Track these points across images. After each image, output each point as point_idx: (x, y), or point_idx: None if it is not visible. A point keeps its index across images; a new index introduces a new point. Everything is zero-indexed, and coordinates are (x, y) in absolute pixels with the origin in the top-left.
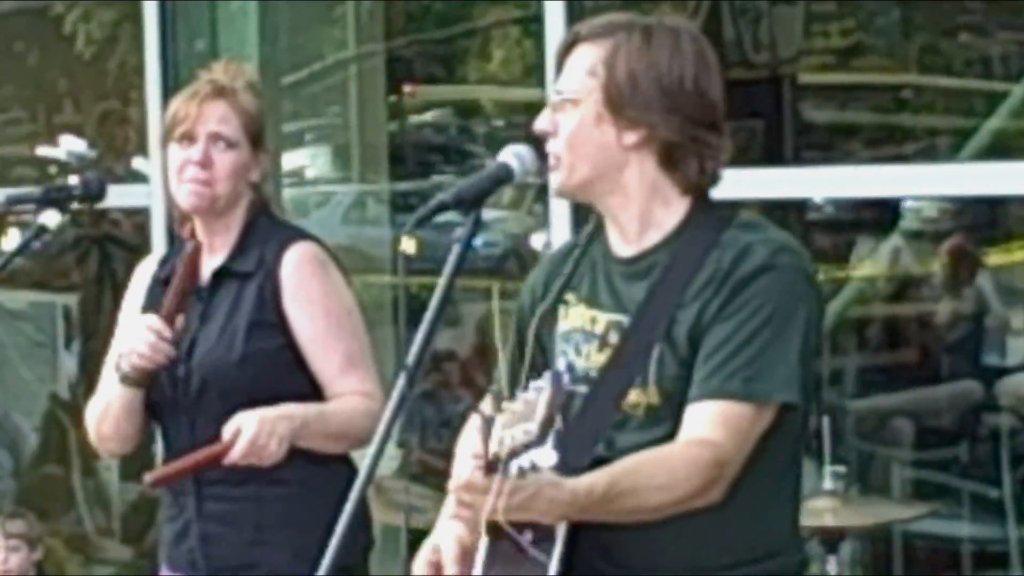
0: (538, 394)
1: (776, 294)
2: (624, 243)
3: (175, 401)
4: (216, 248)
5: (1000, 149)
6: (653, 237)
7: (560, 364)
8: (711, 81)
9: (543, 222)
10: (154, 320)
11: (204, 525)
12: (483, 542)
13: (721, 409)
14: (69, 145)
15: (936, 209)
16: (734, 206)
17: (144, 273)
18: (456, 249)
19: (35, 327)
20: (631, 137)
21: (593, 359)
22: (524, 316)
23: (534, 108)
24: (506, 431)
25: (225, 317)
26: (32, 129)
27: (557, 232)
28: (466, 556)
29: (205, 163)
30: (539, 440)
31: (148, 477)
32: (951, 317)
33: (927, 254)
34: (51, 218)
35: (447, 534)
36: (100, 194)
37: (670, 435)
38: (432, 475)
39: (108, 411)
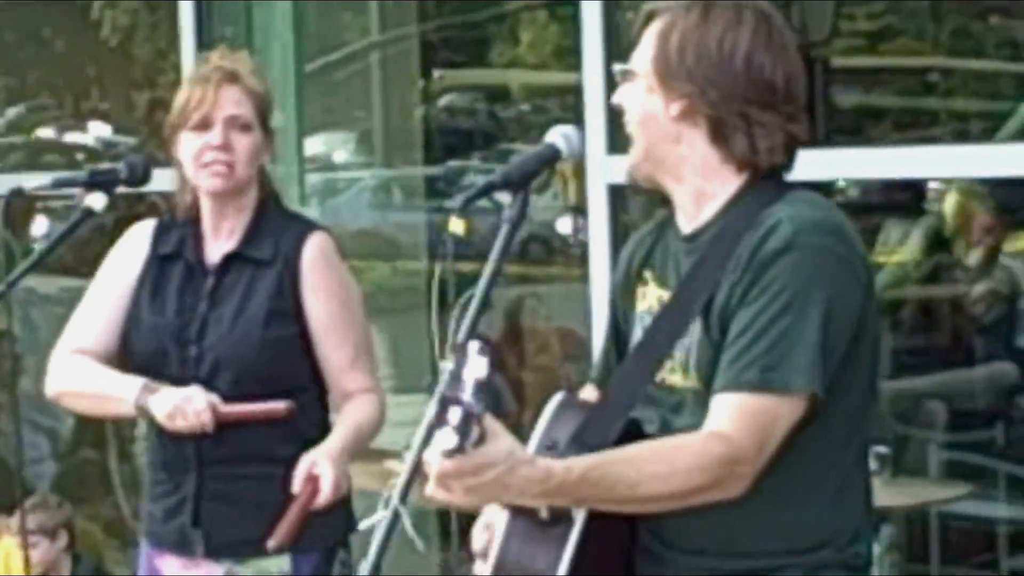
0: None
1: (797, 277)
2: (686, 220)
3: (182, 380)
4: (223, 232)
5: None
6: (708, 212)
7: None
8: (769, 59)
9: (569, 206)
10: (207, 417)
11: (203, 503)
12: (503, 517)
13: (740, 401)
14: (97, 131)
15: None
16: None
17: (139, 242)
18: (504, 230)
19: (68, 311)
20: (675, 108)
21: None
22: (615, 295)
23: (563, 91)
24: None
25: (239, 301)
26: (59, 115)
27: (595, 217)
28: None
29: (226, 147)
30: (436, 422)
31: (273, 543)
32: (983, 299)
33: (956, 237)
34: (97, 201)
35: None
36: (145, 178)
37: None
38: None
39: (90, 398)
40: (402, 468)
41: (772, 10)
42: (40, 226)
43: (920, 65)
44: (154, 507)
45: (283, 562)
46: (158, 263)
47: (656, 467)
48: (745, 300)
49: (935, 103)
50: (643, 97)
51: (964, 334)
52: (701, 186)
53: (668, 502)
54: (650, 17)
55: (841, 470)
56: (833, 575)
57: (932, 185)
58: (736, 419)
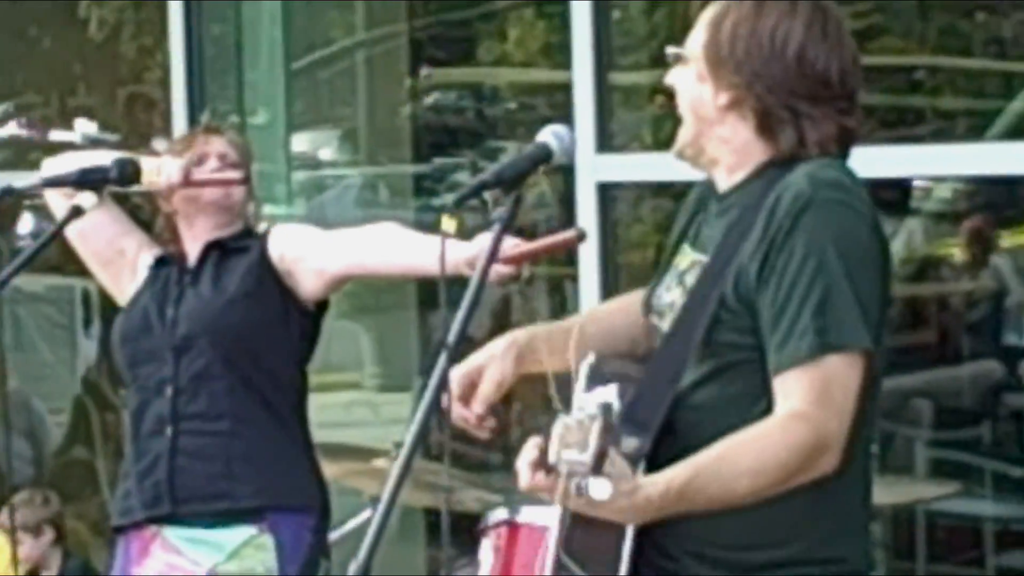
0: (591, 422)
1: (821, 236)
2: (721, 183)
3: (160, 344)
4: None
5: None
6: (740, 175)
7: (611, 390)
8: (823, 52)
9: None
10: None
11: (176, 459)
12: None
13: (805, 375)
14: (83, 128)
15: (951, 190)
16: None
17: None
18: (496, 229)
19: (56, 309)
20: (723, 98)
21: (667, 297)
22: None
23: (551, 89)
24: (561, 448)
25: (216, 275)
26: (46, 113)
27: (584, 215)
28: (500, 391)
29: (222, 172)
30: (594, 472)
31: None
32: (970, 298)
33: (943, 235)
34: (87, 200)
35: (492, 371)
36: (135, 177)
37: (740, 392)
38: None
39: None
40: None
41: (828, 2)
42: (26, 224)
43: (906, 63)
44: (127, 481)
45: (268, 557)
46: (154, 267)
47: (745, 464)
48: (773, 267)
49: (922, 101)
50: (693, 83)
51: (951, 332)
52: (733, 162)
53: (765, 493)
54: (708, 2)
55: None
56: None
57: (918, 183)
58: (808, 394)
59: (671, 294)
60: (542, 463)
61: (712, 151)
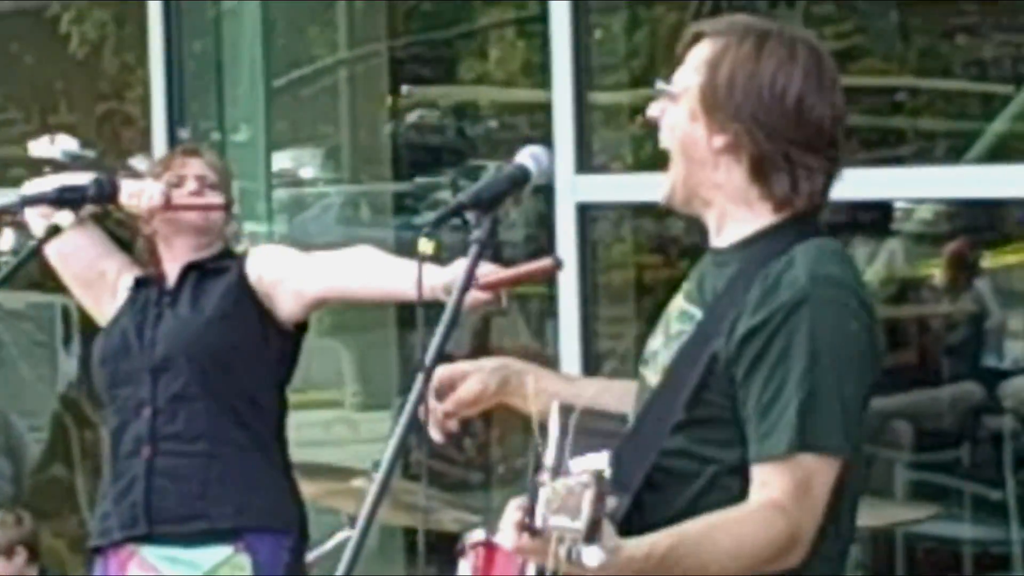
0: (583, 489)
1: (814, 335)
2: (714, 236)
3: (139, 364)
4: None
5: (1004, 152)
6: (732, 234)
7: (602, 457)
8: (820, 100)
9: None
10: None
11: (153, 480)
12: None
13: (783, 469)
14: (64, 145)
15: (931, 212)
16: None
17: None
18: (474, 250)
19: (36, 326)
20: (718, 141)
21: (652, 344)
22: None
23: (532, 108)
24: (550, 513)
25: (194, 297)
26: (27, 130)
27: (563, 236)
28: (476, 403)
29: (200, 194)
30: (587, 541)
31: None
32: (950, 320)
33: (924, 257)
34: (64, 218)
35: (474, 380)
36: (113, 195)
37: (710, 439)
38: (431, 476)
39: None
40: (370, 488)
41: (822, 46)
42: (7, 241)
43: (887, 85)
44: (105, 502)
45: (244, 565)
46: (134, 289)
47: (724, 545)
48: (762, 357)
49: (903, 123)
50: (685, 122)
51: (931, 354)
52: (727, 208)
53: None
54: (697, 38)
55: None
56: None
57: (899, 205)
58: (787, 487)
59: (656, 341)
60: (527, 525)
61: (705, 194)
